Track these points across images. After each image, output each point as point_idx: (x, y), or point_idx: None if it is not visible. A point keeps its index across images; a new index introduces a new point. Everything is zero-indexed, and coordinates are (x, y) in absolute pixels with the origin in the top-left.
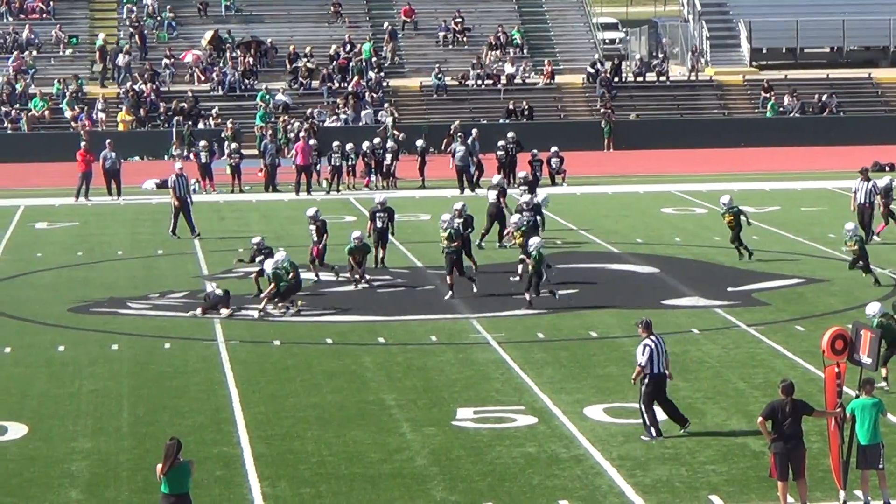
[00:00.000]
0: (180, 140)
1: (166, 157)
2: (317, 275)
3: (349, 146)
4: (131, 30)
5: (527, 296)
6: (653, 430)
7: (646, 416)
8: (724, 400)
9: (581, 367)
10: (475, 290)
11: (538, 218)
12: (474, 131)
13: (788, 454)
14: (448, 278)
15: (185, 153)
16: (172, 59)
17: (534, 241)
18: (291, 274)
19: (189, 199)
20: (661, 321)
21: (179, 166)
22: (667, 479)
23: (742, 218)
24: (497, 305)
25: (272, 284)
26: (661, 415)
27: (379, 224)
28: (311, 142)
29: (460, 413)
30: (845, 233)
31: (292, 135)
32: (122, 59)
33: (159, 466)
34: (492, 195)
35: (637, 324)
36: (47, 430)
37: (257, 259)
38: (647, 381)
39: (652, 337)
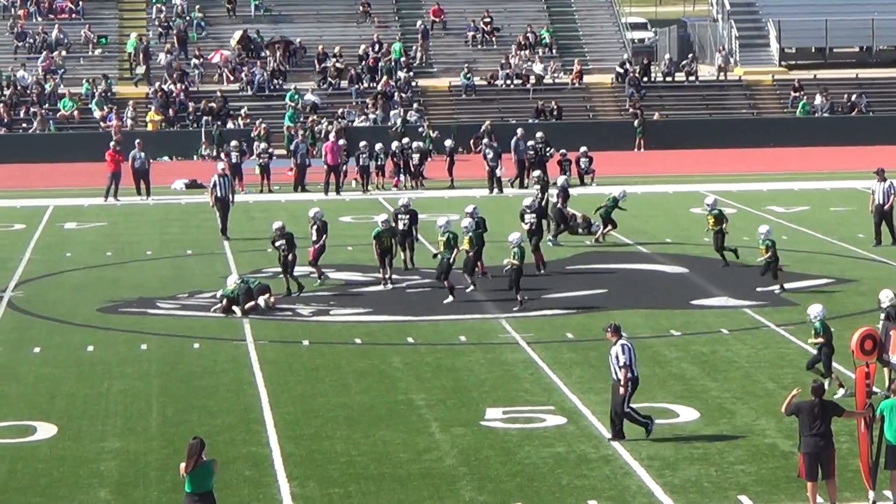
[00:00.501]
0: (209, 140)
1: (195, 157)
2: (320, 276)
3: (378, 146)
4: (160, 29)
5: (518, 296)
6: (646, 422)
7: (635, 416)
8: (754, 400)
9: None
10: (470, 289)
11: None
12: (519, 130)
13: (818, 454)
14: (468, 278)
15: (214, 153)
16: (201, 59)
17: (513, 237)
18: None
19: (231, 200)
20: (690, 321)
21: (222, 166)
22: (695, 479)
23: (724, 224)
24: (526, 305)
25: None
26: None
27: (401, 226)
28: (341, 142)
29: (489, 413)
30: (759, 236)
31: (321, 135)
32: (164, 58)
33: (182, 465)
34: (554, 196)
35: (605, 328)
36: (76, 430)
37: (277, 243)
38: (629, 385)
39: (624, 339)
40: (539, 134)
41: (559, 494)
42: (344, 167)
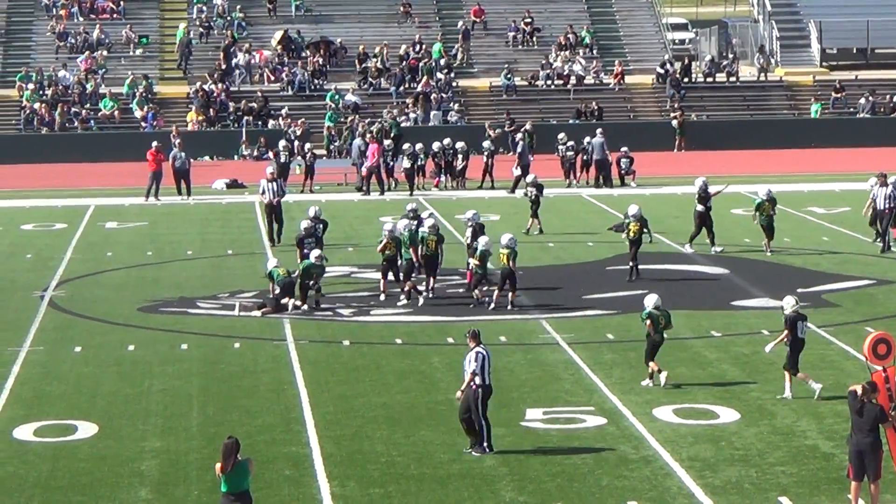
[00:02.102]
0: (250, 140)
1: (236, 156)
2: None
3: (418, 146)
4: (201, 29)
5: (475, 293)
6: (487, 445)
7: (485, 427)
8: (795, 401)
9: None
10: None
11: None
12: (598, 131)
13: (864, 454)
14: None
15: (255, 153)
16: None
17: (482, 241)
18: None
19: (279, 202)
20: (730, 322)
21: (271, 170)
22: (736, 480)
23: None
24: (567, 306)
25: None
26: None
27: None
28: (386, 142)
29: (529, 414)
30: (629, 218)
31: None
32: (242, 59)
33: (218, 465)
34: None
35: (466, 334)
36: (117, 429)
37: (305, 227)
38: (479, 391)
39: (481, 347)
40: (591, 138)
41: (599, 495)
42: (390, 167)
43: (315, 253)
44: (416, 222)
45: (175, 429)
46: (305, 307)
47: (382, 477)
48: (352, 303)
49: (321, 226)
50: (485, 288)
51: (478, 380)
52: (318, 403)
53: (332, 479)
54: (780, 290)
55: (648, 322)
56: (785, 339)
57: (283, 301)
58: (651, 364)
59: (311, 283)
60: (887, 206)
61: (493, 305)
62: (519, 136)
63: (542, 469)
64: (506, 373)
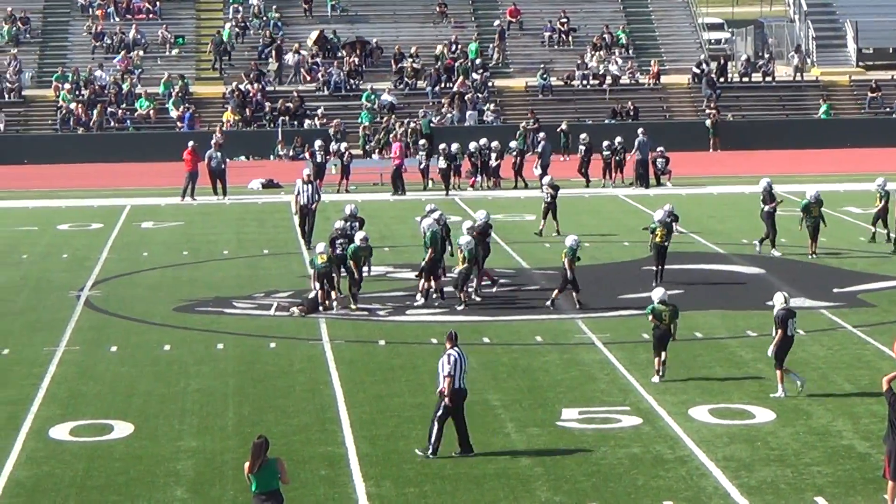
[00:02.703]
0: (286, 140)
1: (272, 156)
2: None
3: (454, 146)
4: (237, 29)
5: (461, 295)
6: (431, 447)
7: (434, 431)
8: (830, 401)
9: (686, 367)
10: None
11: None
12: (640, 130)
13: None
14: (461, 295)
15: (291, 153)
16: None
17: (463, 241)
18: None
19: (314, 206)
20: (767, 322)
21: (307, 172)
22: (772, 480)
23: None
24: (602, 306)
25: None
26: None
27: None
28: (421, 142)
29: (565, 413)
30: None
31: (394, 136)
32: (291, 58)
33: (247, 465)
34: (766, 207)
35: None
36: (153, 428)
37: (338, 227)
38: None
39: (456, 349)
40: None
41: (635, 495)
42: (421, 166)
43: (359, 235)
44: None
45: (211, 428)
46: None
47: (418, 476)
48: (387, 302)
49: (357, 224)
50: (471, 288)
51: (451, 382)
52: (354, 403)
53: (367, 478)
54: (816, 290)
55: (650, 317)
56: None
57: (320, 291)
58: (657, 359)
59: (364, 266)
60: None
61: (552, 307)
62: (542, 135)
63: (578, 469)
64: (541, 372)
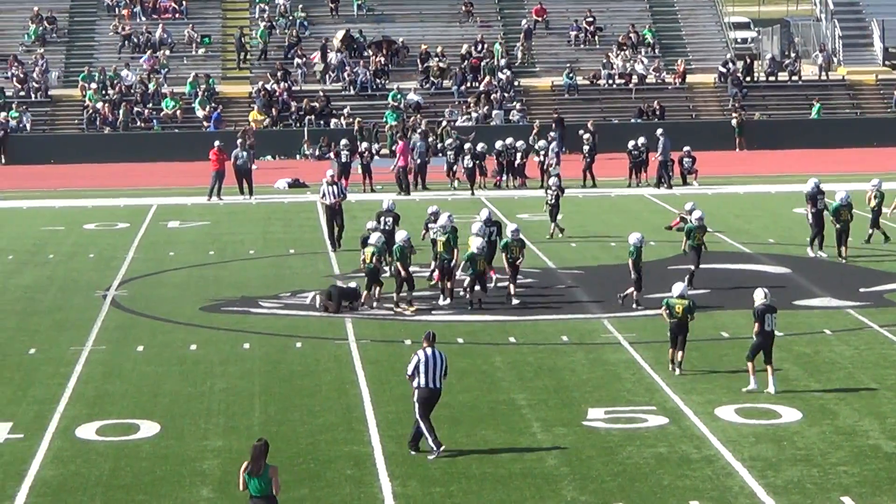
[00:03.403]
0: (312, 139)
1: (298, 156)
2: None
3: (480, 146)
4: (264, 29)
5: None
6: (433, 443)
7: (423, 429)
8: (857, 401)
9: (712, 367)
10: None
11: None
12: (659, 131)
13: None
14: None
15: (317, 153)
16: (304, 59)
17: (475, 242)
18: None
19: (340, 206)
20: (793, 322)
21: (331, 173)
22: (798, 480)
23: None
24: (628, 305)
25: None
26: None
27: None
28: (431, 139)
29: (591, 413)
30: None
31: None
32: (334, 57)
33: (244, 465)
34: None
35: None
36: (179, 428)
37: (368, 227)
38: (415, 393)
39: (428, 350)
40: (641, 139)
41: (661, 495)
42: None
43: (401, 235)
44: (495, 228)
45: (237, 428)
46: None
47: (444, 476)
48: (414, 301)
49: (391, 219)
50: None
51: (416, 382)
52: (380, 402)
53: (393, 478)
54: (843, 289)
55: (664, 308)
56: (755, 331)
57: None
58: (671, 351)
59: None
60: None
61: (622, 302)
62: (552, 134)
63: (604, 468)
64: (567, 372)
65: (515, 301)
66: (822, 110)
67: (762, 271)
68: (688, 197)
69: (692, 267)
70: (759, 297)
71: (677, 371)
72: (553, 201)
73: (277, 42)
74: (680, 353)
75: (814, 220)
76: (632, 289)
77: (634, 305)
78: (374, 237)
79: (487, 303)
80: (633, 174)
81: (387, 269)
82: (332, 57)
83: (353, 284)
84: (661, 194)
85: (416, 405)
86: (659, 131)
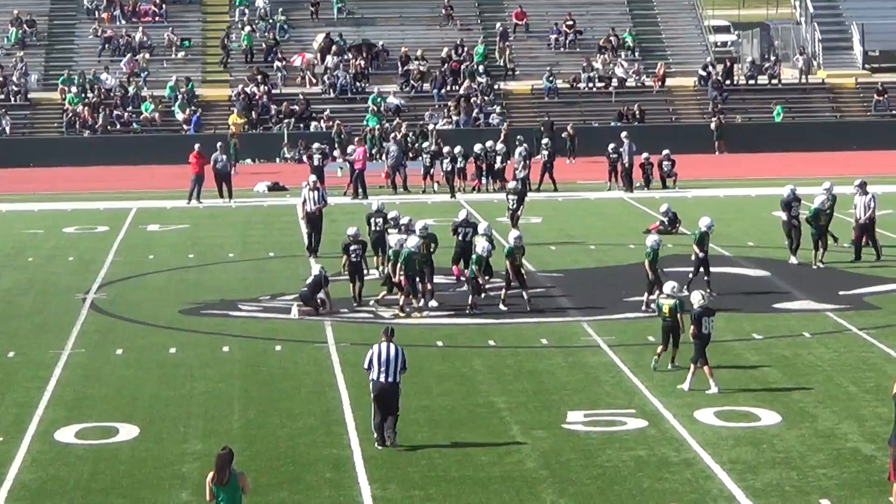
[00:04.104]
0: (291, 143)
1: (278, 159)
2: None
3: (458, 149)
4: (244, 32)
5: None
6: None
7: (372, 422)
8: (836, 404)
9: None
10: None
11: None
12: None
13: None
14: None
15: (296, 156)
16: (284, 62)
17: (482, 244)
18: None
19: (321, 212)
20: (772, 325)
21: (313, 179)
22: (777, 482)
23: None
24: (608, 309)
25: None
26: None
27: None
28: (425, 144)
29: (571, 416)
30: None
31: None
32: (331, 61)
33: (210, 475)
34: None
35: None
36: (158, 431)
37: (349, 234)
38: (370, 386)
39: (384, 344)
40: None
41: (640, 498)
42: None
43: (412, 241)
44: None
45: (216, 431)
46: (421, 302)
47: (423, 479)
48: (392, 304)
49: (381, 220)
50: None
51: (371, 375)
52: (359, 406)
53: (373, 481)
54: (822, 292)
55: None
56: (692, 333)
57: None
58: (660, 347)
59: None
60: (862, 213)
61: (644, 306)
62: (520, 137)
63: (583, 471)
64: (547, 375)
65: (528, 307)
66: (802, 114)
67: (742, 274)
68: (667, 200)
69: (702, 271)
70: (697, 299)
71: (669, 366)
72: (514, 206)
73: (257, 45)
74: (673, 350)
75: (785, 229)
76: (646, 294)
77: (644, 308)
78: (394, 240)
79: (468, 306)
80: (612, 177)
81: (375, 271)
82: (330, 60)
83: (314, 271)
84: (640, 197)
85: (372, 403)
86: (623, 134)
